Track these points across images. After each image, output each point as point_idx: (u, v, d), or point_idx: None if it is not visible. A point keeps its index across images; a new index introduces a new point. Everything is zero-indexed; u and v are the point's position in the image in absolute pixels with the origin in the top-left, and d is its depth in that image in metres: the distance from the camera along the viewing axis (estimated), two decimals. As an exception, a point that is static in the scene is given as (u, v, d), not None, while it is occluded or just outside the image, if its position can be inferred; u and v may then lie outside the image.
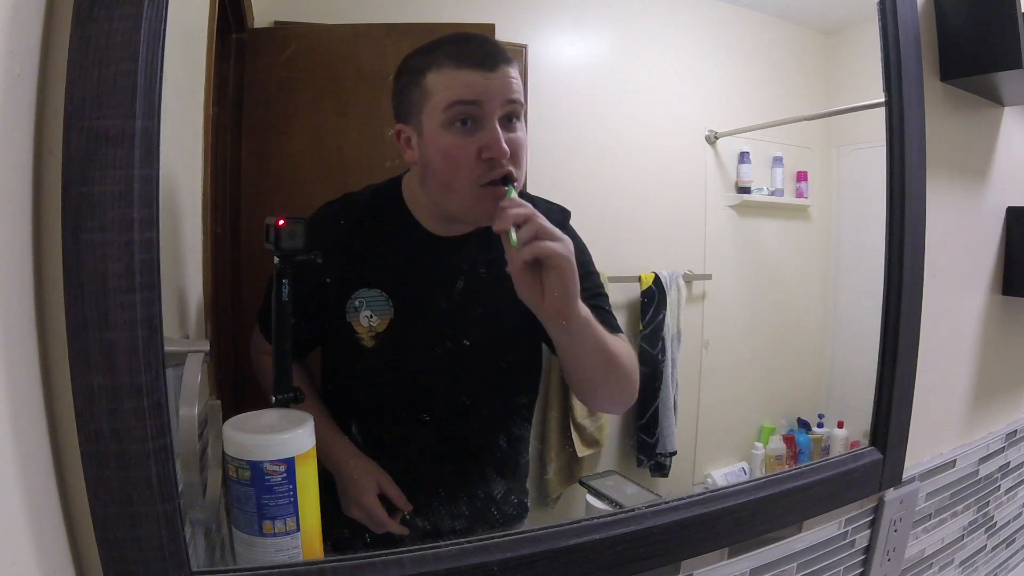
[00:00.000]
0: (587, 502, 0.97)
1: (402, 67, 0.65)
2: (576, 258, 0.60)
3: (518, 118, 0.62)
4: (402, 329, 0.64)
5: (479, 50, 0.62)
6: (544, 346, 0.72)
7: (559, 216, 0.72)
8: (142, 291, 0.42)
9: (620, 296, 1.09)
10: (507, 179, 0.60)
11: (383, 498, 0.67)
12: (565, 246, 0.57)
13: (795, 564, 0.81)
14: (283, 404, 0.59)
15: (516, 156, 0.62)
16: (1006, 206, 1.09)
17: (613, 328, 0.71)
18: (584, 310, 0.61)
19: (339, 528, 0.64)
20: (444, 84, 0.60)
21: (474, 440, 0.75)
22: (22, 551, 0.37)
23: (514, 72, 0.62)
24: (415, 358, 0.67)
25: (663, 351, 1.12)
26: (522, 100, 0.63)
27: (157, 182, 0.43)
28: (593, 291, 0.71)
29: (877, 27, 0.81)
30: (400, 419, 0.70)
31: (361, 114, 0.84)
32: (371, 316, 0.63)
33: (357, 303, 0.63)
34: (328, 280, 0.63)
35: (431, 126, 0.61)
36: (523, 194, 0.70)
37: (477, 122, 0.60)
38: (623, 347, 0.70)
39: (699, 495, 0.68)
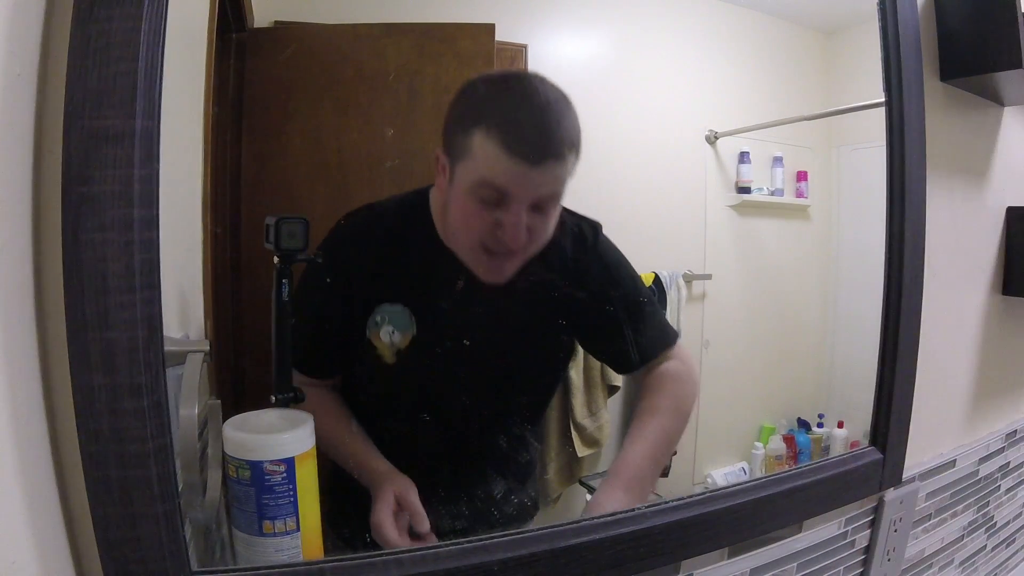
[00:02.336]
0: (587, 502, 0.97)
1: (462, 96, 0.61)
2: (613, 276, 0.68)
3: (549, 207, 0.60)
4: (424, 347, 0.62)
5: (530, 135, 0.57)
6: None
7: (590, 232, 0.71)
8: (142, 291, 0.42)
9: (620, 296, 1.09)
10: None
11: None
12: None
13: (795, 564, 0.81)
14: (283, 404, 0.59)
15: (534, 240, 0.61)
16: (1006, 206, 1.09)
17: (660, 334, 0.73)
18: (623, 492, 0.64)
19: (339, 528, 0.64)
20: (484, 157, 0.57)
21: (493, 449, 0.74)
22: (22, 551, 0.37)
23: (564, 165, 0.58)
24: (437, 376, 0.65)
25: (663, 351, 1.12)
26: (559, 191, 0.60)
27: (157, 182, 0.43)
28: (634, 306, 0.71)
29: (877, 27, 0.81)
30: (422, 434, 0.69)
31: (361, 114, 0.84)
32: (392, 332, 0.61)
33: (379, 319, 0.61)
34: (351, 295, 0.61)
35: (462, 181, 0.59)
36: (590, 239, 0.72)
37: (501, 204, 0.58)
38: (675, 403, 0.71)
39: (699, 495, 0.68)
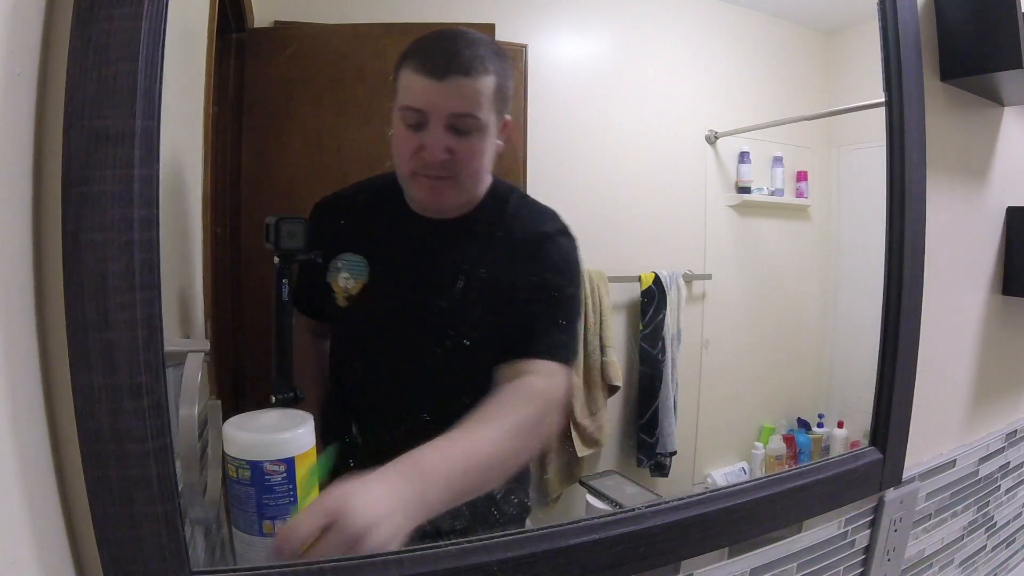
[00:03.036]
0: (587, 502, 0.97)
1: (400, 55, 0.68)
2: (547, 279, 0.68)
3: (471, 130, 0.64)
4: (372, 293, 0.66)
5: (437, 55, 0.64)
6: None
7: (551, 228, 0.73)
8: (142, 291, 0.42)
9: (620, 296, 1.09)
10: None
11: None
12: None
13: (795, 564, 0.81)
14: (283, 404, 0.60)
15: (461, 162, 0.65)
16: (1006, 206, 1.09)
17: (546, 343, 0.68)
18: (400, 518, 0.50)
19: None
20: (403, 85, 0.65)
21: (441, 405, 0.68)
22: (22, 551, 0.37)
23: (472, 82, 0.64)
24: (378, 323, 0.69)
25: (663, 351, 1.13)
26: (473, 114, 0.64)
27: (157, 182, 0.43)
28: (545, 312, 0.70)
29: (877, 27, 0.81)
30: (369, 383, 0.71)
31: (361, 114, 0.84)
32: (348, 278, 0.66)
33: (339, 264, 0.67)
34: (322, 247, 0.67)
35: (395, 116, 0.67)
36: (511, 195, 0.74)
37: (423, 125, 0.64)
38: (516, 426, 0.60)
39: (699, 495, 0.68)
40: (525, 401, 0.63)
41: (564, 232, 0.75)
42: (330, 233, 0.69)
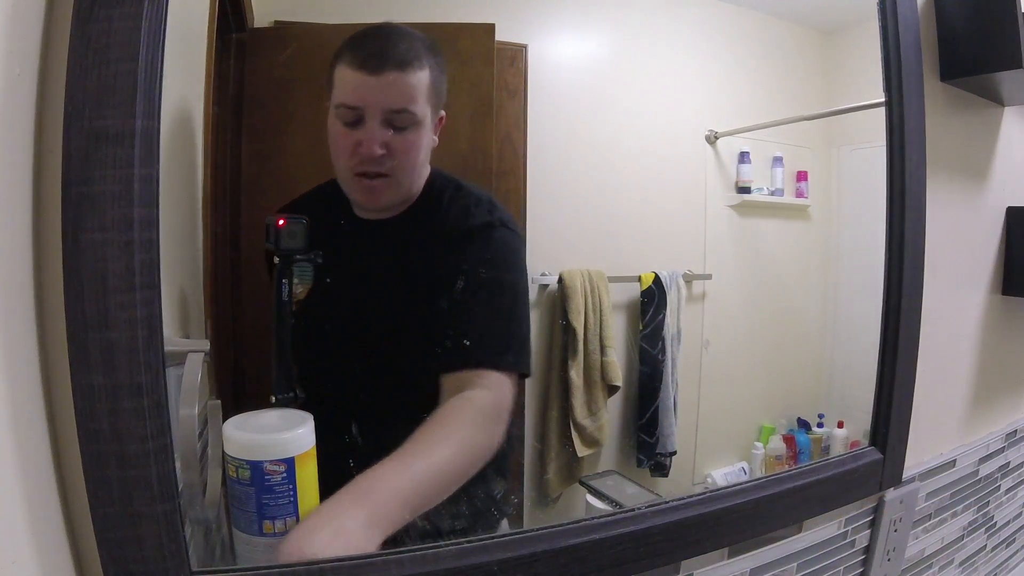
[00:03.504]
0: (587, 502, 0.97)
1: (334, 52, 0.67)
2: (484, 278, 0.66)
3: (407, 125, 0.64)
4: (318, 297, 0.64)
5: (371, 50, 0.64)
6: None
7: (485, 220, 0.71)
8: (142, 291, 0.42)
9: (620, 296, 1.09)
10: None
11: None
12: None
13: (795, 564, 0.81)
14: (283, 404, 0.60)
15: (397, 158, 0.65)
16: (1006, 206, 1.09)
17: (492, 349, 0.66)
18: (371, 525, 0.51)
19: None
20: (339, 81, 0.65)
21: (385, 409, 0.69)
22: (22, 551, 0.37)
23: (407, 77, 0.64)
24: (321, 330, 0.67)
25: (663, 351, 1.13)
26: (409, 108, 0.64)
27: (157, 182, 0.43)
28: (486, 314, 0.68)
29: (877, 27, 0.81)
30: (317, 384, 0.65)
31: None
32: (296, 284, 0.64)
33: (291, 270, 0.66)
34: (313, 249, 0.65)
35: (331, 114, 0.66)
36: (447, 188, 0.73)
37: (359, 121, 0.64)
38: (455, 447, 0.60)
39: (699, 495, 0.68)
40: (470, 417, 0.62)
41: (503, 223, 0.72)
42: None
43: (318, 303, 0.64)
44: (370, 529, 0.50)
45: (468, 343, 0.66)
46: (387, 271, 0.71)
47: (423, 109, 0.66)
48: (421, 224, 0.71)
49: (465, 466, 0.60)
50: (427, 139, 0.68)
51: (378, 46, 0.64)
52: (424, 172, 0.71)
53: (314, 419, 0.55)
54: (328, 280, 0.65)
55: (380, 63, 0.63)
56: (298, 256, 0.62)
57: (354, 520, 0.50)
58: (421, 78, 0.65)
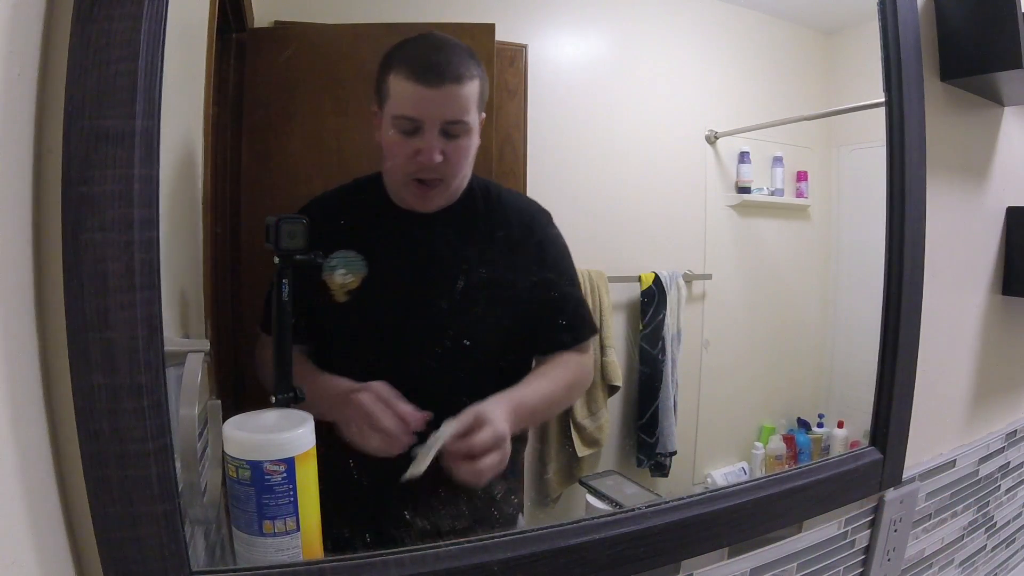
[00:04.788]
0: (587, 502, 0.97)
1: (383, 59, 0.71)
2: (554, 264, 0.77)
3: (460, 134, 0.69)
4: (372, 286, 0.70)
5: (429, 62, 0.68)
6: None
7: (543, 219, 0.81)
8: (142, 291, 0.42)
9: (620, 296, 1.09)
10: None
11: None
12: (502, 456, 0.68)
13: (795, 564, 0.81)
14: (283, 404, 0.60)
15: (451, 164, 0.70)
16: (1006, 206, 1.09)
17: (573, 339, 0.81)
18: (508, 422, 0.69)
19: (339, 528, 0.64)
20: (395, 92, 0.68)
21: (443, 394, 0.73)
22: (22, 551, 0.37)
23: (461, 90, 0.68)
24: (384, 313, 0.73)
25: (663, 351, 1.12)
26: (464, 119, 0.69)
27: (157, 182, 0.43)
28: (559, 305, 0.80)
29: (877, 27, 0.81)
30: (376, 373, 0.71)
31: (361, 114, 0.83)
32: (345, 274, 0.70)
33: (334, 262, 0.70)
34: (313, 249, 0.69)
35: (387, 120, 0.70)
36: (495, 191, 0.78)
37: (417, 131, 0.68)
38: (567, 380, 0.81)
39: (699, 495, 0.68)
40: (568, 367, 0.81)
41: (551, 220, 0.81)
42: (320, 234, 0.70)
43: (371, 291, 0.70)
44: (506, 423, 0.68)
45: (561, 329, 0.80)
46: (446, 264, 0.75)
47: (474, 117, 0.70)
48: (468, 219, 0.75)
49: (568, 402, 0.86)
50: (476, 143, 0.73)
51: (435, 60, 0.68)
52: (470, 172, 0.75)
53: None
54: (379, 269, 0.71)
55: (439, 78, 0.67)
56: (298, 256, 0.62)
57: (503, 413, 0.68)
58: (473, 89, 0.69)
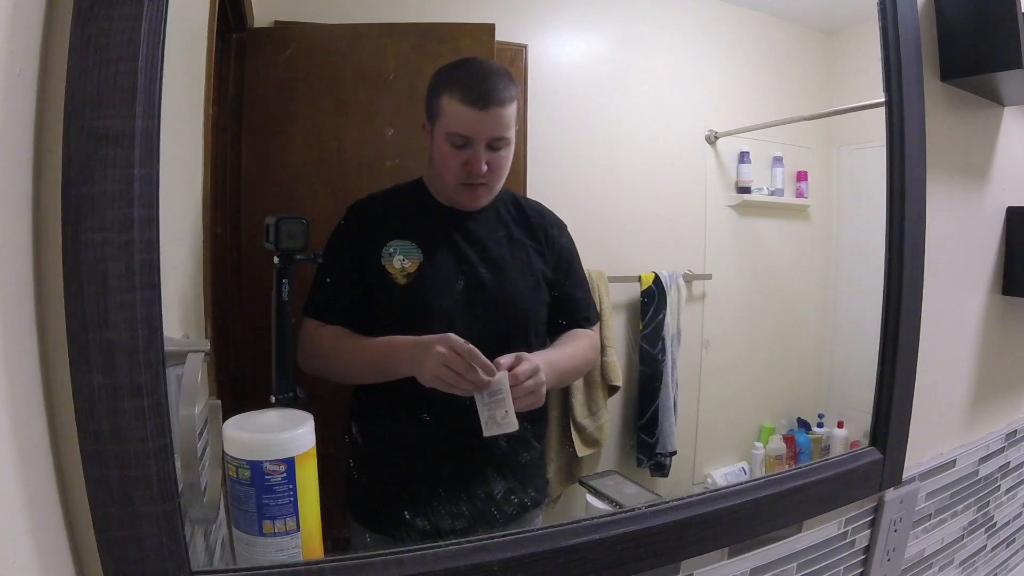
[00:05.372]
0: (587, 502, 0.97)
1: (434, 76, 0.81)
2: (569, 262, 0.92)
3: (502, 147, 0.81)
4: (430, 269, 0.81)
5: (481, 88, 0.80)
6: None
7: (563, 227, 0.93)
8: (142, 291, 0.42)
9: (620, 296, 1.09)
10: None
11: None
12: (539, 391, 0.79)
13: (795, 564, 0.81)
14: (283, 404, 0.60)
15: (495, 172, 0.82)
16: (1006, 206, 1.09)
17: (585, 319, 0.95)
18: (546, 376, 0.80)
19: (339, 528, 0.64)
20: (449, 112, 0.79)
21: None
22: (22, 551, 0.37)
23: (505, 111, 0.80)
24: (441, 292, 0.83)
25: (663, 351, 1.12)
26: (507, 136, 0.81)
27: (157, 182, 0.43)
28: (574, 293, 0.94)
29: (877, 27, 0.81)
30: None
31: (361, 114, 0.84)
32: (403, 259, 0.80)
33: (392, 249, 0.80)
34: (367, 240, 0.81)
35: (438, 135, 0.80)
36: (519, 198, 0.90)
37: (466, 145, 0.79)
38: (584, 349, 0.95)
39: (699, 495, 0.68)
40: (588, 342, 0.95)
41: (566, 229, 0.94)
42: (372, 226, 0.82)
43: (429, 273, 0.81)
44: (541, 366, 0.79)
45: (574, 312, 0.93)
46: (495, 249, 0.87)
47: (513, 132, 0.82)
48: (503, 216, 0.88)
49: (586, 368, 1.00)
50: (512, 152, 0.85)
51: (485, 87, 0.80)
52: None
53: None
54: (435, 254, 0.82)
55: (487, 102, 0.79)
56: (298, 256, 0.62)
57: (538, 360, 0.79)
58: (513, 109, 0.81)
